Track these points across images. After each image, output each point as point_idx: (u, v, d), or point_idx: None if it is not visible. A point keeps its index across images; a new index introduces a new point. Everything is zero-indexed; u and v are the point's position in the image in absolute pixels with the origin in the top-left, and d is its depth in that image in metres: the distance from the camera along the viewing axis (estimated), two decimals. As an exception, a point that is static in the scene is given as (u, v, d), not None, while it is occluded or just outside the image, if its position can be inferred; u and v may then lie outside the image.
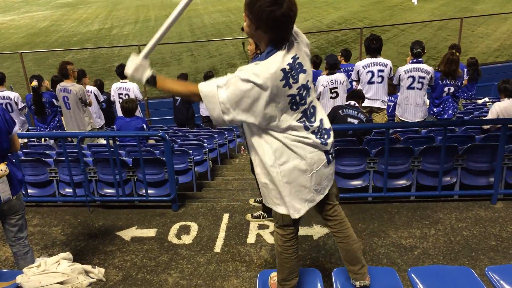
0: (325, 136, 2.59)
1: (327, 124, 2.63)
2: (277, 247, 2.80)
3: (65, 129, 6.93)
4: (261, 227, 4.56)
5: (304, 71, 2.43)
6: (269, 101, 2.32)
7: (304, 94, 2.45)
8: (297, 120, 2.47)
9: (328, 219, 2.81)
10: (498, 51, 17.16)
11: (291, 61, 2.36)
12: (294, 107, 2.44)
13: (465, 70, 8.20)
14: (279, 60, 2.32)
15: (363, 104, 6.11)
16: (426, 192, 4.94)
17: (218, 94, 2.31)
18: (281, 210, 2.64)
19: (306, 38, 2.51)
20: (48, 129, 7.02)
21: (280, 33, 2.32)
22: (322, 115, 2.61)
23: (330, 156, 2.63)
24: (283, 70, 2.32)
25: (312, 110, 2.53)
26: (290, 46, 2.38)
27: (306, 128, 2.51)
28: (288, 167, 2.51)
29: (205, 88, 2.37)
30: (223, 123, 2.41)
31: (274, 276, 2.96)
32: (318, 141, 2.54)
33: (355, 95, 5.59)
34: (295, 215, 2.62)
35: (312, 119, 2.53)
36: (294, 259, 2.78)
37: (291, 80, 2.36)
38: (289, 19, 2.28)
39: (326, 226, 2.91)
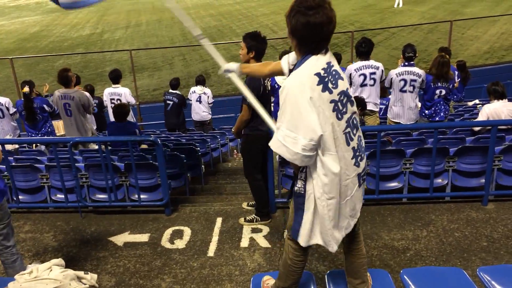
0: (362, 156, 2.47)
1: (363, 143, 2.52)
2: (287, 259, 2.71)
3: (66, 135, 6.87)
4: (254, 230, 4.55)
5: (342, 78, 2.37)
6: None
7: (345, 102, 2.35)
8: (343, 131, 2.35)
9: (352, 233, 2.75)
10: (488, 54, 17.32)
11: (325, 66, 2.31)
12: (339, 115, 2.32)
13: (456, 72, 8.27)
14: (312, 63, 2.31)
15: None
16: (418, 194, 4.97)
17: None
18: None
19: None
20: (39, 135, 6.98)
21: (313, 41, 2.29)
22: (360, 132, 2.49)
23: (361, 179, 2.50)
24: (318, 74, 2.28)
25: (355, 122, 2.41)
26: (322, 54, 2.34)
27: (347, 142, 2.36)
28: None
29: None
30: None
31: (267, 279, 2.96)
32: (353, 160, 2.39)
33: (356, 101, 5.62)
34: (334, 248, 2.52)
35: (355, 130, 2.41)
36: (301, 272, 2.77)
37: (330, 85, 2.29)
38: (321, 29, 2.24)
39: None
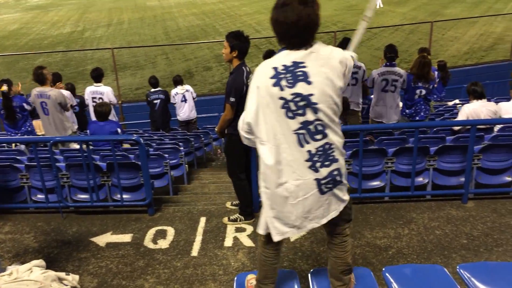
0: (323, 163, 2.40)
1: (335, 152, 2.42)
2: (258, 248, 2.81)
3: (45, 134, 6.76)
4: (238, 230, 4.56)
5: (309, 82, 2.30)
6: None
7: (300, 105, 2.32)
8: (293, 130, 2.36)
9: (331, 236, 2.75)
10: (467, 54, 17.64)
11: (288, 63, 2.33)
12: (289, 114, 2.34)
13: (436, 72, 8.40)
14: (279, 58, 2.38)
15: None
16: (399, 192, 5.04)
17: None
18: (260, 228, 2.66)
19: (345, 60, 2.39)
20: (19, 134, 6.86)
21: (278, 35, 2.39)
22: (335, 136, 2.41)
23: (322, 186, 2.43)
24: (275, 68, 2.34)
25: (319, 128, 2.36)
26: (296, 52, 2.35)
27: (300, 144, 2.37)
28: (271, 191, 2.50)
29: None
30: None
31: (251, 278, 2.96)
32: (308, 163, 2.38)
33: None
34: (276, 238, 2.56)
35: (317, 136, 2.36)
36: (271, 264, 2.77)
37: (283, 82, 2.32)
38: (281, 26, 2.34)
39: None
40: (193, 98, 9.44)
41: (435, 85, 7.96)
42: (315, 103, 2.31)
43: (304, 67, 2.31)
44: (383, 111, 6.47)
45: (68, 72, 18.93)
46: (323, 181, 2.42)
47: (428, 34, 12.99)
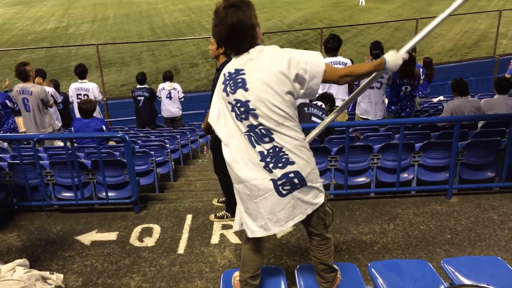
0: (276, 164, 2.41)
1: (290, 154, 2.41)
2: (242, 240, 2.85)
3: (26, 132, 6.67)
4: (225, 227, 4.55)
5: (246, 89, 2.37)
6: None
7: (242, 110, 2.40)
8: (244, 132, 2.43)
9: (309, 236, 2.77)
10: (452, 51, 17.85)
11: (232, 70, 2.44)
12: (238, 118, 2.44)
13: (421, 69, 8.47)
14: (228, 65, 2.50)
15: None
16: (385, 188, 5.08)
17: None
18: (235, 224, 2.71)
19: (283, 66, 2.35)
20: (1, 132, 6.75)
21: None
22: (286, 138, 2.41)
23: (280, 188, 2.43)
24: (224, 74, 2.49)
25: (263, 132, 2.39)
26: (239, 60, 2.44)
27: (253, 145, 2.42)
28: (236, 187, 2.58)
29: None
30: None
31: (237, 275, 2.96)
32: (262, 163, 2.41)
33: (325, 97, 5.67)
34: (249, 234, 2.61)
35: (265, 139, 2.40)
36: (247, 254, 2.78)
37: (228, 89, 2.44)
38: (214, 34, 2.47)
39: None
40: (179, 98, 9.38)
41: (420, 82, 8.04)
42: (253, 109, 2.38)
43: (243, 74, 2.40)
44: (369, 107, 6.51)
45: (52, 68, 18.69)
46: (279, 182, 2.43)
47: (414, 31, 13.09)
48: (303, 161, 2.45)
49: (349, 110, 7.69)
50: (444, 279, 2.71)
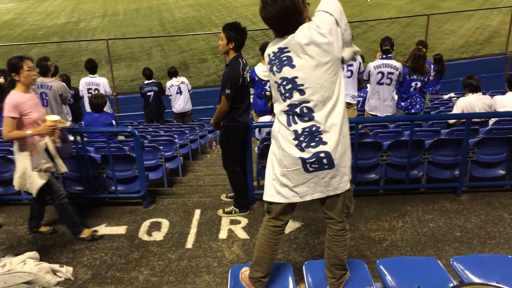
0: (309, 143, 2.46)
1: (325, 135, 2.45)
2: (259, 232, 2.87)
3: None
4: (233, 222, 4.56)
5: (292, 66, 2.41)
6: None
7: (288, 88, 2.45)
8: (283, 111, 2.51)
9: (327, 224, 2.79)
10: (463, 48, 17.65)
11: (275, 49, 2.46)
12: (282, 97, 2.49)
13: (432, 65, 8.39)
14: (270, 45, 2.52)
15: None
16: (394, 185, 5.05)
17: None
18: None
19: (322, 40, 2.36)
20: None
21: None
22: (327, 117, 2.44)
23: (307, 165, 2.49)
24: (268, 55, 2.51)
25: (305, 110, 2.44)
26: (282, 39, 2.44)
27: (289, 123, 2.50)
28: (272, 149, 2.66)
29: None
30: None
31: (245, 270, 2.96)
32: (295, 142, 2.49)
33: None
34: (266, 197, 2.69)
35: (305, 118, 2.45)
36: (263, 251, 2.78)
37: (274, 68, 2.48)
38: (267, 21, 2.45)
39: None
40: (188, 90, 9.40)
41: (430, 78, 7.96)
42: (301, 85, 2.41)
43: (288, 51, 2.42)
44: (378, 104, 6.47)
45: (62, 63, 18.80)
46: (308, 161, 2.49)
47: (425, 27, 12.96)
48: (336, 144, 2.48)
49: (358, 106, 7.65)
50: (453, 277, 2.69)
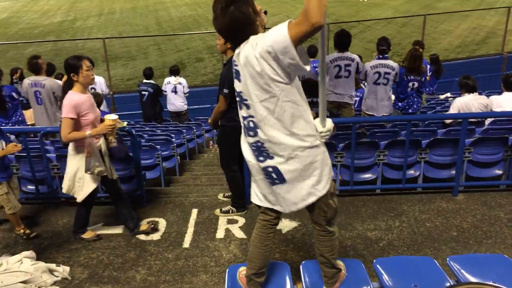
0: (258, 157, 2.51)
1: (270, 150, 2.43)
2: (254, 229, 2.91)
3: (36, 125, 6.70)
4: (230, 222, 4.56)
5: (239, 80, 2.42)
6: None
7: (238, 100, 2.50)
8: (242, 120, 2.54)
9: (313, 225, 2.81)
10: (459, 48, 17.70)
11: (233, 59, 2.48)
12: (239, 106, 2.52)
13: (428, 66, 8.42)
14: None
15: (331, 99, 6.18)
16: (391, 185, 5.06)
17: None
18: None
19: (259, 56, 2.24)
20: (9, 124, 6.77)
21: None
22: (267, 134, 2.40)
23: (270, 176, 2.50)
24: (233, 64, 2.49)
25: (251, 125, 2.45)
26: (237, 50, 2.42)
27: (245, 134, 2.55)
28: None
29: None
30: None
31: (242, 270, 2.96)
32: (250, 153, 2.56)
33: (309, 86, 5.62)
34: (251, 197, 2.77)
35: (251, 133, 2.48)
36: (254, 245, 2.80)
37: (235, 77, 2.49)
38: (220, 32, 2.48)
39: None
40: (184, 93, 9.37)
41: (427, 78, 7.99)
42: (245, 99, 2.42)
43: (236, 65, 2.44)
44: (375, 104, 6.47)
45: (58, 62, 18.63)
46: (265, 172, 2.53)
47: (421, 27, 13.00)
48: (285, 159, 2.42)
49: (355, 106, 7.66)
50: (449, 276, 2.70)
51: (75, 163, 3.92)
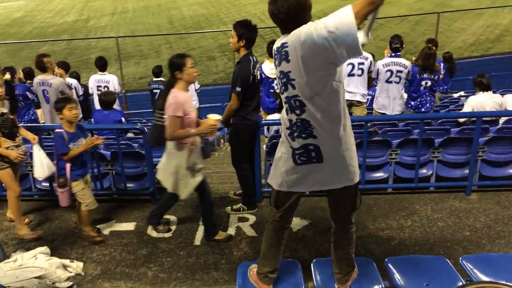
0: (299, 134, 2.56)
1: (315, 130, 2.51)
2: (266, 223, 2.97)
3: (45, 123, 6.77)
4: (241, 219, 4.57)
5: (288, 61, 2.45)
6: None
7: (283, 81, 2.52)
8: (284, 101, 2.61)
9: (333, 220, 2.85)
10: (474, 46, 17.49)
11: (279, 44, 2.51)
12: (281, 89, 2.60)
13: (442, 64, 8.34)
14: (277, 41, 2.57)
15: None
16: (403, 184, 5.03)
17: None
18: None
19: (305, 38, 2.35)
20: (22, 123, 6.87)
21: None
22: (313, 115, 2.49)
23: (296, 157, 2.60)
24: (274, 50, 2.58)
25: (297, 104, 2.50)
26: (286, 35, 2.47)
27: (286, 112, 2.61)
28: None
29: None
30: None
31: (253, 267, 2.98)
32: (288, 131, 2.61)
33: None
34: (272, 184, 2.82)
35: (297, 111, 2.52)
36: (268, 244, 2.84)
37: (276, 62, 2.56)
38: (272, 17, 2.52)
39: None
40: (195, 90, 9.40)
41: (441, 76, 7.91)
42: (293, 79, 2.46)
43: (287, 46, 2.46)
44: (387, 102, 6.44)
45: (72, 60, 18.87)
46: (297, 152, 2.58)
47: (435, 25, 12.85)
48: (327, 139, 2.52)
49: (367, 105, 7.62)
50: (462, 276, 2.68)
51: (177, 161, 3.87)
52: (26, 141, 4.44)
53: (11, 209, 4.40)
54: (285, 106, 2.61)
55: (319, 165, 2.58)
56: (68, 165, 4.05)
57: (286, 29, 2.46)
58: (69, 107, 3.98)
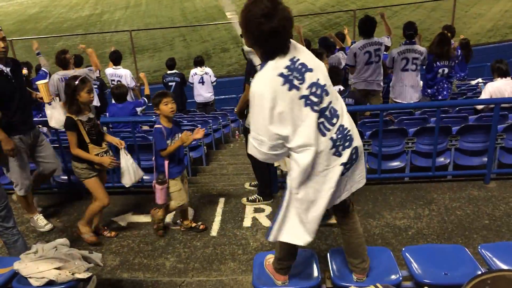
0: (343, 144, 2.39)
1: (349, 131, 2.42)
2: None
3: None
4: (257, 210, 4.58)
5: (310, 70, 2.30)
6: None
7: (318, 93, 2.30)
8: (319, 122, 2.33)
9: (337, 209, 2.79)
10: (491, 32, 17.13)
11: (288, 63, 2.27)
12: (312, 108, 2.29)
13: (459, 50, 8.19)
14: (273, 68, 2.26)
15: (360, 88, 6.10)
16: (420, 173, 4.98)
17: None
18: None
19: None
20: (40, 116, 6.96)
21: (271, 47, 2.26)
22: (343, 117, 2.42)
23: (347, 166, 2.43)
24: (281, 74, 2.24)
25: (331, 111, 2.37)
26: (283, 55, 2.29)
27: (323, 134, 2.34)
28: None
29: None
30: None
31: (269, 258, 2.98)
32: (331, 151, 2.36)
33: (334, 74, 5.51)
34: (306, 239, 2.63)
35: (333, 120, 2.37)
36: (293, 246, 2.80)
37: (295, 82, 2.26)
38: (279, 35, 2.21)
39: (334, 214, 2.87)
40: (212, 82, 9.40)
41: (457, 61, 7.77)
42: (324, 85, 2.34)
43: (298, 59, 2.30)
44: (403, 90, 6.35)
45: (86, 55, 19.07)
46: (347, 164, 2.43)
47: (451, 11, 12.61)
48: (356, 133, 2.52)
49: (383, 93, 7.53)
50: (481, 264, 2.65)
51: None
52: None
53: (87, 218, 4.13)
54: (318, 129, 2.32)
55: (356, 165, 2.53)
56: (166, 162, 4.00)
57: (282, 46, 2.30)
58: (165, 101, 3.92)
